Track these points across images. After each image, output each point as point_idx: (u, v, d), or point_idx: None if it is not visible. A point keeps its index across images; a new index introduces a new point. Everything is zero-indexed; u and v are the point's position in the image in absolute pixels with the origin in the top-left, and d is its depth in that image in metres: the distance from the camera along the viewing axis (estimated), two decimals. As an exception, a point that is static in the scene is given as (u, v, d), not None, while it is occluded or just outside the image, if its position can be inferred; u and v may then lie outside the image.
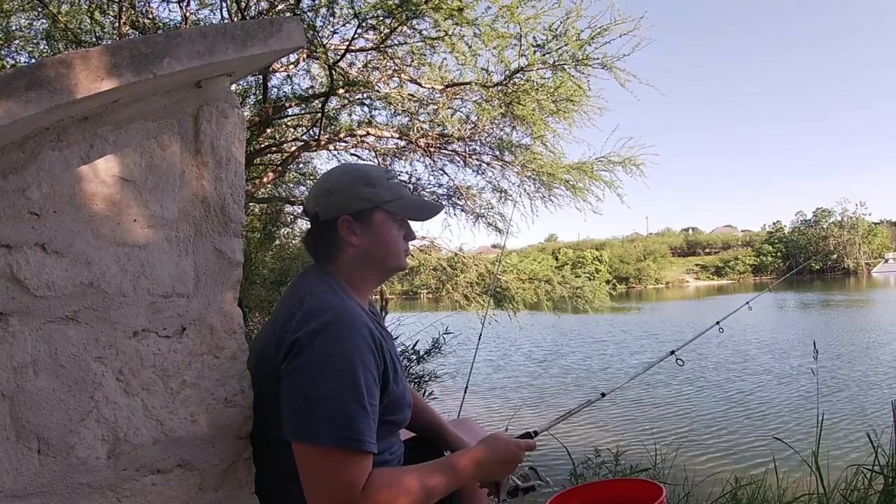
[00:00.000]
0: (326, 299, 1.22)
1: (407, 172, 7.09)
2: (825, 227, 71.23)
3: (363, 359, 1.14)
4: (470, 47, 5.19)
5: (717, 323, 2.29)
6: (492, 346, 14.88)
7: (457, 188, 6.99)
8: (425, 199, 1.57)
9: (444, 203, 7.00)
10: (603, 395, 1.90)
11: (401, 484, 1.13)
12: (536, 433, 1.46)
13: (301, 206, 6.59)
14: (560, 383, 11.10)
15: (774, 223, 79.55)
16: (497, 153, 6.52)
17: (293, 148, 6.61)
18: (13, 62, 5.69)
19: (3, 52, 5.79)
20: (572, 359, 14.00)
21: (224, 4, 5.49)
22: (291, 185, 7.91)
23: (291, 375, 1.13)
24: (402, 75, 5.97)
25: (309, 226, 1.39)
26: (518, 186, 6.80)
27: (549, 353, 14.64)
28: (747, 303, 2.49)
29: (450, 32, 5.01)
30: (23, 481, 0.99)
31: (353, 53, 5.57)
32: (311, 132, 6.60)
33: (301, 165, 7.59)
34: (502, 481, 1.38)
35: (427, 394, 5.82)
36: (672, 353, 2.06)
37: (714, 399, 9.28)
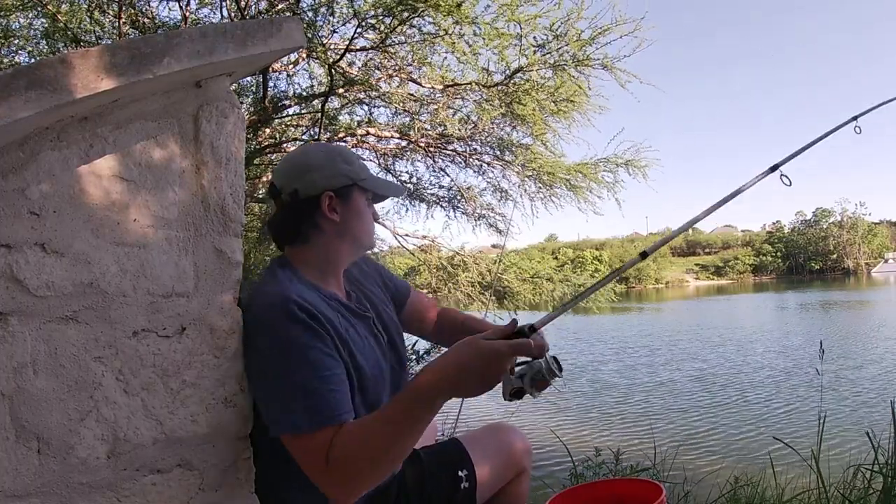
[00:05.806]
0: (254, 293, 1.23)
1: (408, 172, 7.09)
2: (825, 227, 71.26)
3: (298, 339, 1.13)
4: (470, 46, 5.18)
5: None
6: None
7: (458, 190, 6.99)
8: (388, 179, 1.63)
9: (444, 204, 7.00)
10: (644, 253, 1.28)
11: (364, 428, 1.10)
12: (533, 328, 1.13)
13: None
14: (567, 385, 11.06)
15: (774, 223, 79.68)
16: (498, 153, 6.51)
17: (293, 148, 6.60)
18: (13, 62, 5.68)
19: (2, 52, 5.78)
20: (576, 361, 13.98)
21: (224, 4, 5.49)
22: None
23: (248, 378, 1.21)
24: (402, 74, 5.97)
25: (276, 206, 1.32)
26: (519, 187, 6.79)
27: (557, 355, 14.56)
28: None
29: (449, 31, 5.01)
30: (22, 481, 0.99)
31: (353, 53, 5.57)
32: (311, 132, 6.59)
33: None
34: (503, 380, 1.13)
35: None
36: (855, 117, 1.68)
37: (714, 399, 9.28)
